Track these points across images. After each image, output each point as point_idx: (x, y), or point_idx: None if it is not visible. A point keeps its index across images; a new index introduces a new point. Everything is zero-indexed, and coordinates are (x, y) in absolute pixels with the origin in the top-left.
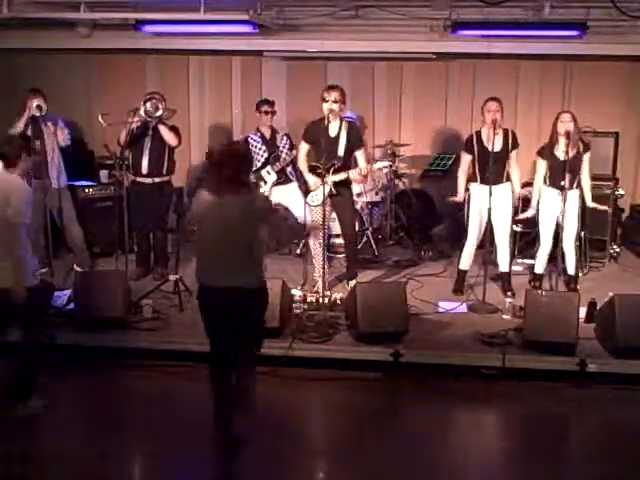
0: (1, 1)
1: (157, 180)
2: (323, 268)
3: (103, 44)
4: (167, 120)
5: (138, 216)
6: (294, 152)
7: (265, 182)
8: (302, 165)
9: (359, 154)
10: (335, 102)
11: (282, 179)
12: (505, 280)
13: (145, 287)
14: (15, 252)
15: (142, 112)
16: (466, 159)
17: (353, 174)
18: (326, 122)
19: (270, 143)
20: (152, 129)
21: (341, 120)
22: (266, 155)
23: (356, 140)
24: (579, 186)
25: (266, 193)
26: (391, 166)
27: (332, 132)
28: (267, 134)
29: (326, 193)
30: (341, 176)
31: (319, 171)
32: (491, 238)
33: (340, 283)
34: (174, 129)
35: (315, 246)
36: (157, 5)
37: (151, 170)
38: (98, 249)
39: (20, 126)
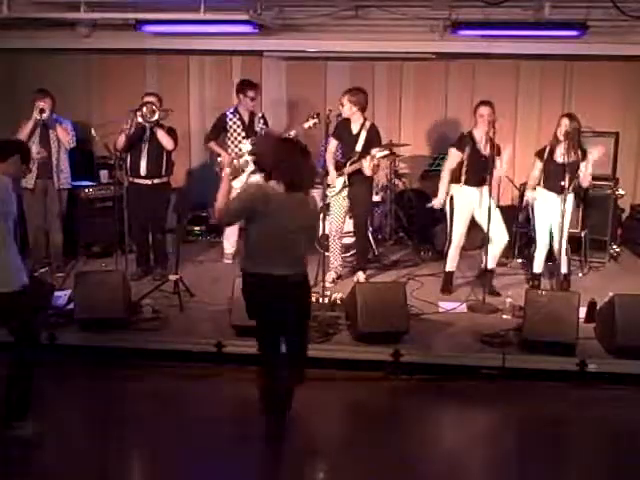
0: (1, 1)
1: (156, 181)
2: (323, 265)
3: (103, 44)
4: (163, 120)
5: (137, 217)
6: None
7: (243, 170)
8: (329, 160)
9: (374, 151)
10: (344, 105)
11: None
12: (489, 279)
13: (145, 287)
14: None
15: (139, 117)
16: (455, 156)
17: (363, 163)
18: (351, 120)
19: (249, 128)
20: (149, 132)
21: (364, 120)
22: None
23: (374, 139)
24: (574, 190)
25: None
26: (393, 154)
27: (354, 129)
28: (246, 118)
29: (341, 184)
30: (354, 166)
31: (338, 164)
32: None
33: (340, 283)
34: (171, 132)
35: (335, 241)
36: (157, 5)
37: (150, 172)
38: (98, 249)
39: (25, 132)
